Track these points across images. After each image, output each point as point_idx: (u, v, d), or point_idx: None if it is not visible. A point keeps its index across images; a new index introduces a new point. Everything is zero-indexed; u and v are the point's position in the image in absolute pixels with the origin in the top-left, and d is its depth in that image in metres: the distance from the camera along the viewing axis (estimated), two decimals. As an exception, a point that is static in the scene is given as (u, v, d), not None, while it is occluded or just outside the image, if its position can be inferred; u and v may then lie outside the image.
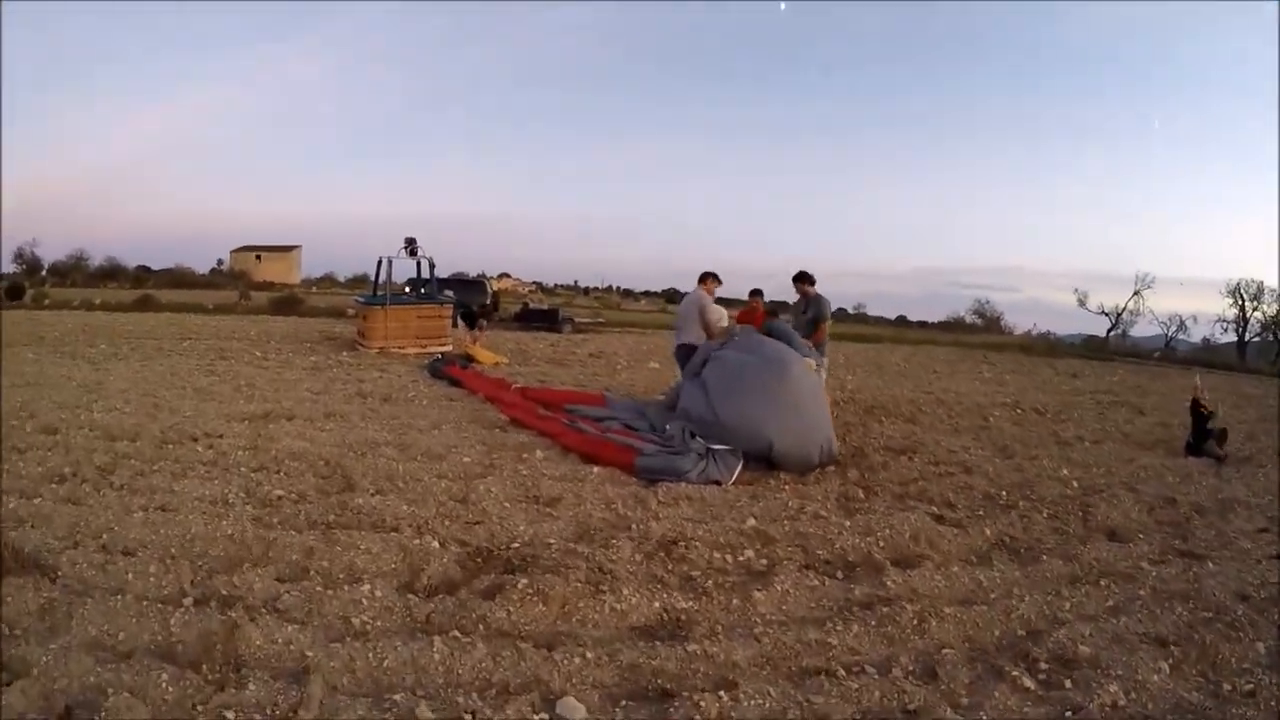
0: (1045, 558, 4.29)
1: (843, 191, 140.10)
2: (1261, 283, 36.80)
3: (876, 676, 2.82)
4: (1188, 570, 4.21)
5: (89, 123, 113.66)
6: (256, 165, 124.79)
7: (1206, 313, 43.48)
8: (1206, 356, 33.38)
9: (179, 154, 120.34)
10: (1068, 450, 7.83)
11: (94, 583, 3.25)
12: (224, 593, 3.21)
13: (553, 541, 3.97)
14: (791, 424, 5.93)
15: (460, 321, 14.41)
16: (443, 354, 12.56)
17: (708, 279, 7.95)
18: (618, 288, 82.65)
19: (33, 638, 2.75)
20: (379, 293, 13.99)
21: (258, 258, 64.33)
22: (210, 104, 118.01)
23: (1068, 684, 2.84)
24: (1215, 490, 6.53)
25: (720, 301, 8.07)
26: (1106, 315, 38.19)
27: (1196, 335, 37.64)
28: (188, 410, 7.13)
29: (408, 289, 16.53)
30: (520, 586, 3.29)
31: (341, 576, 3.46)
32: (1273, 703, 2.82)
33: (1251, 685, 2.93)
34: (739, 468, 5.72)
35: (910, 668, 2.92)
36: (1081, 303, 38.53)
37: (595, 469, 5.56)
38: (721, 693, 2.61)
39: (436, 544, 3.80)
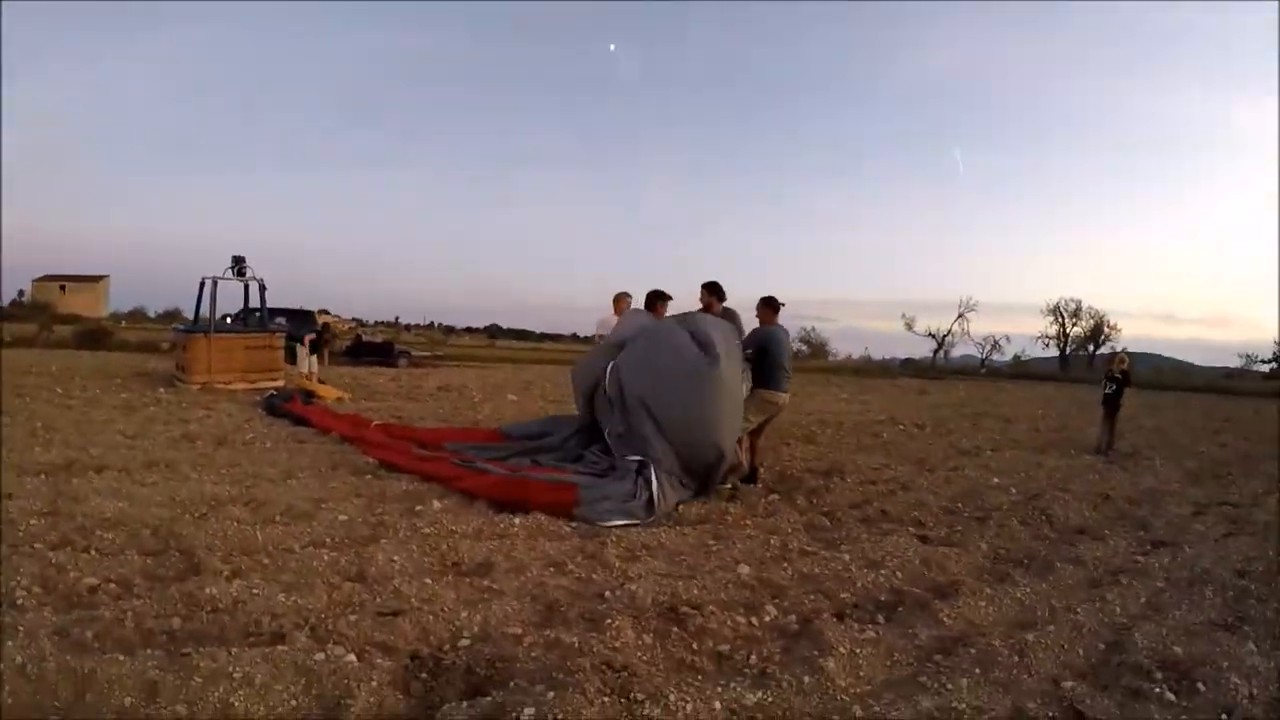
0: (1058, 565, 4.15)
1: (652, 223, 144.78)
2: (1080, 301, 43.41)
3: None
4: (1176, 557, 4.41)
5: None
6: (62, 184, 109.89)
7: (1018, 333, 50.65)
8: (1022, 369, 38.63)
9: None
10: (977, 459, 8.03)
11: None
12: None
13: (516, 630, 2.86)
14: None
15: (300, 350, 12.96)
16: (278, 389, 10.91)
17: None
18: (439, 324, 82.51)
19: None
20: (201, 319, 11.94)
21: (62, 288, 61.38)
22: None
23: (1201, 687, 2.66)
24: (1132, 483, 6.96)
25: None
26: (933, 337, 42.99)
27: (1009, 353, 42.74)
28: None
29: (229, 320, 14.47)
30: (526, 718, 2.16)
31: (215, 733, 2.17)
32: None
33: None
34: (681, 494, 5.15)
35: (1052, 713, 2.45)
36: (909, 326, 43.45)
37: (516, 519, 4.50)
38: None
39: (351, 656, 2.53)
